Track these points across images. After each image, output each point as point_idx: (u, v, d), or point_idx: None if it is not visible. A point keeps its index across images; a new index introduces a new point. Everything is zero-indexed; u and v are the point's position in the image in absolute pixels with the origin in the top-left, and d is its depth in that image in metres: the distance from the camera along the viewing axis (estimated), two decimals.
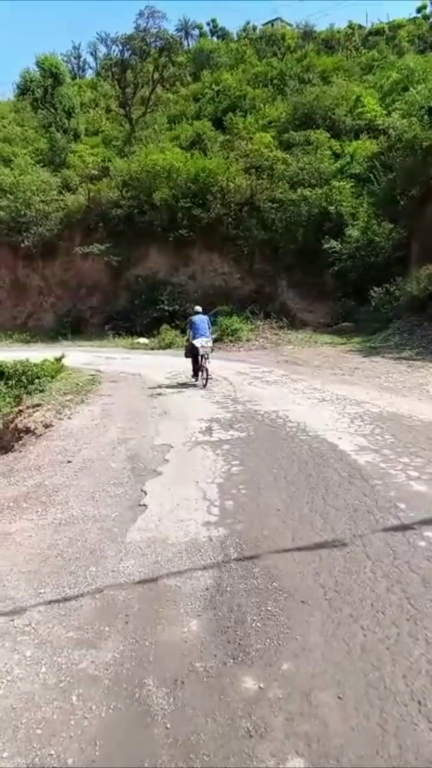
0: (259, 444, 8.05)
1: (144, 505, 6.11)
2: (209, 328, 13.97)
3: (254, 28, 57.95)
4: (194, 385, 13.57)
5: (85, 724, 3.02)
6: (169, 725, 2.99)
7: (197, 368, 13.56)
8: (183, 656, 3.53)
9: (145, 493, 6.46)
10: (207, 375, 13.27)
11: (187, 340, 13.94)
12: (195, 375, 13.79)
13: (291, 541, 4.91)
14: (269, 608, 3.96)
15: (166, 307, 27.17)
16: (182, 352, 15.08)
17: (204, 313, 14.48)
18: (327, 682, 3.23)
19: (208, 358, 13.46)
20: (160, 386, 14.10)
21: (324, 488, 6.03)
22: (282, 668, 3.37)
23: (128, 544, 5.14)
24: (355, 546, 4.72)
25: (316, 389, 11.82)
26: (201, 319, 13.79)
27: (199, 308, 14.79)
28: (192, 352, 13.67)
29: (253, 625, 3.79)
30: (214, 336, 15.54)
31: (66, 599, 4.25)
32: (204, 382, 13.27)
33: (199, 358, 13.38)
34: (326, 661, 3.39)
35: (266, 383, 13.14)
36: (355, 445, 7.57)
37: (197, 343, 13.28)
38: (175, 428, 9.40)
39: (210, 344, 13.69)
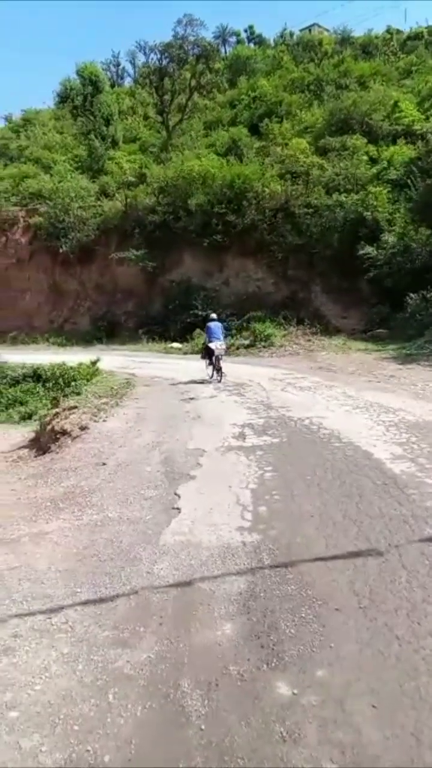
0: (292, 450, 8.04)
1: (177, 508, 6.18)
2: (223, 333, 15.50)
3: (291, 34, 57.89)
4: (210, 382, 15.07)
5: (121, 723, 3.08)
6: (203, 727, 3.02)
7: (213, 366, 15.06)
8: (217, 659, 3.56)
9: (179, 497, 6.52)
10: (221, 373, 14.85)
11: (204, 343, 15.57)
12: (211, 373, 15.30)
13: (325, 549, 4.90)
14: (303, 615, 3.96)
15: (200, 312, 27.24)
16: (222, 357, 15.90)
17: (222, 320, 16.25)
18: (361, 691, 3.22)
19: (221, 358, 14.98)
20: (180, 383, 15.26)
21: (358, 496, 5.99)
22: (316, 675, 3.38)
23: (162, 547, 5.21)
24: (390, 555, 4.68)
25: (350, 396, 11.73)
26: (216, 326, 15.46)
27: (214, 315, 16.34)
28: (208, 354, 15.20)
29: (287, 631, 3.80)
30: (227, 341, 17.12)
31: (102, 599, 4.33)
32: (219, 378, 14.84)
33: (214, 358, 14.89)
34: (361, 670, 3.38)
35: (300, 389, 13.10)
36: (390, 453, 7.49)
37: (213, 345, 14.88)
38: (209, 433, 9.45)
39: (224, 347, 15.27)
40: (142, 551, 5.15)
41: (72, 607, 4.25)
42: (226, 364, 15.71)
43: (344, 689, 3.25)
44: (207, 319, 16.68)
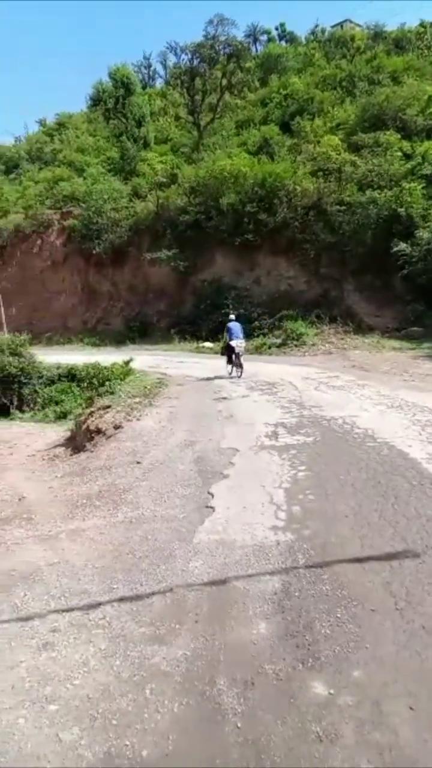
0: (326, 449, 7.98)
1: (211, 507, 6.20)
2: (242, 332, 16.57)
3: (323, 31, 57.30)
4: (231, 377, 16.21)
5: (158, 718, 3.12)
6: (239, 725, 3.04)
7: (233, 363, 16.11)
8: (253, 658, 3.57)
9: (212, 496, 6.55)
10: (241, 368, 15.94)
11: (224, 341, 16.66)
12: (230, 369, 16.37)
13: (360, 549, 4.85)
14: (338, 615, 3.94)
15: (231, 312, 27.32)
16: (254, 356, 17.63)
17: (240, 320, 17.58)
18: (399, 692, 3.19)
19: (241, 355, 16.08)
20: (206, 378, 16.30)
21: (394, 496, 5.92)
22: (352, 676, 3.36)
23: (196, 545, 5.24)
24: (427, 556, 4.62)
25: (384, 395, 11.57)
26: (235, 325, 16.52)
27: (233, 316, 17.62)
28: (228, 351, 16.29)
29: (323, 631, 3.79)
30: (246, 339, 18.01)
31: (138, 596, 4.39)
32: (239, 373, 15.94)
33: (234, 355, 16.02)
34: (398, 671, 3.35)
35: (332, 388, 12.99)
36: (426, 453, 7.37)
37: (233, 343, 16.01)
38: (241, 432, 9.46)
39: (243, 345, 16.43)
40: (176, 549, 5.19)
41: (109, 603, 4.31)
42: (257, 363, 16.45)
43: (381, 690, 3.22)
44: (227, 320, 17.66)
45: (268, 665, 3.50)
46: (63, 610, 4.25)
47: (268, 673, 3.43)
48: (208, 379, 16.35)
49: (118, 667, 3.55)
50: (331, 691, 3.25)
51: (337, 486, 6.45)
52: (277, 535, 5.26)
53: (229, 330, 16.40)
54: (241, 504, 6.17)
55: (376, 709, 3.09)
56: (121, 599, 4.35)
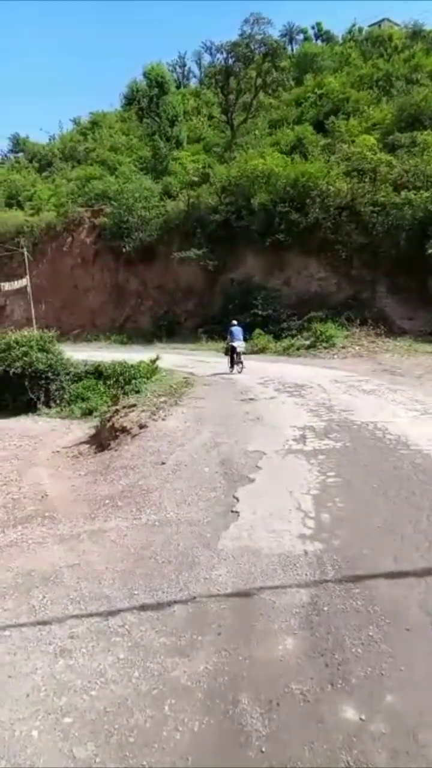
0: (356, 456, 7.72)
1: (236, 512, 6.02)
2: (242, 335, 18.61)
3: (360, 30, 56.51)
4: (229, 374, 17.70)
5: (178, 737, 2.94)
6: (264, 749, 2.85)
7: (234, 362, 17.92)
8: (278, 676, 3.38)
9: (237, 500, 6.37)
10: (242, 366, 17.78)
11: (227, 343, 18.67)
12: (231, 367, 18.01)
13: (393, 563, 4.61)
14: (370, 633, 3.72)
15: (260, 312, 27.03)
16: (282, 358, 19.71)
17: (241, 325, 19.50)
18: None
19: (241, 354, 18.03)
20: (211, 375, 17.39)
21: (429, 508, 5.65)
22: (385, 700, 3.14)
23: (220, 552, 5.06)
24: None
25: (417, 401, 11.22)
26: (237, 329, 18.47)
27: (235, 321, 19.50)
28: (231, 351, 18.15)
29: (353, 650, 3.57)
30: (246, 342, 19.86)
31: (159, 603, 4.23)
32: (240, 370, 17.70)
33: (235, 355, 17.88)
34: None
35: (363, 392, 12.67)
36: None
37: (235, 344, 17.98)
38: (268, 435, 9.25)
39: (243, 346, 18.47)
40: (200, 555, 5.02)
41: (129, 609, 4.16)
42: (285, 365, 17.35)
43: (417, 718, 3.01)
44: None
45: (295, 685, 3.30)
46: (82, 615, 4.11)
47: (294, 694, 3.24)
48: (214, 374, 17.94)
49: (137, 680, 3.39)
50: (363, 717, 3.04)
51: (368, 495, 6.20)
52: (305, 545, 5.05)
53: (231, 333, 18.41)
54: (268, 510, 5.97)
55: (411, 739, 2.87)
56: (142, 606, 4.19)
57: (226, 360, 18.78)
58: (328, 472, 7.09)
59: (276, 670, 3.44)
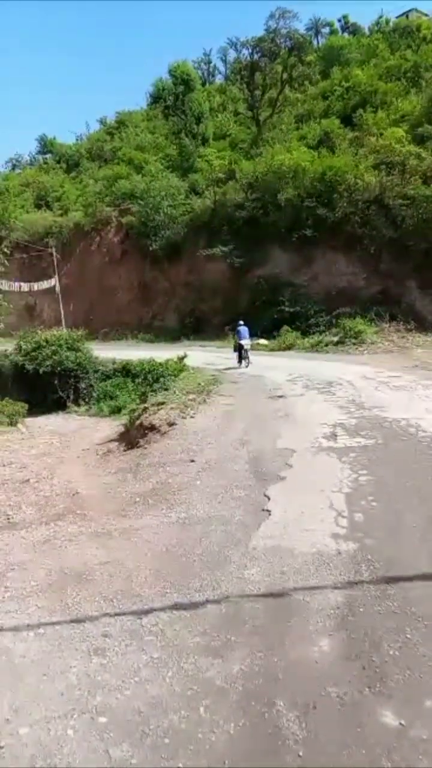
0: (388, 453, 7.59)
1: (267, 510, 5.96)
2: (248, 334, 20.02)
3: (387, 21, 55.54)
4: (237, 368, 18.99)
5: (213, 739, 2.90)
6: (301, 753, 2.79)
7: (242, 357, 19.31)
8: (314, 678, 3.31)
9: (268, 498, 6.30)
10: (248, 361, 19.19)
11: (236, 341, 20.14)
12: (239, 361, 19.37)
13: (430, 564, 4.50)
14: (408, 636, 3.63)
15: (287, 309, 26.84)
16: (310, 354, 20.92)
17: (248, 325, 20.63)
18: None
19: (248, 351, 19.50)
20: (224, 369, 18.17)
21: None
22: (426, 705, 3.06)
23: (252, 551, 5.01)
24: None
25: None
26: (244, 329, 19.82)
27: (242, 322, 20.60)
28: (239, 348, 19.61)
29: (391, 652, 3.49)
30: (252, 340, 21.36)
31: (192, 602, 4.20)
32: (246, 365, 19.03)
33: (243, 351, 19.35)
34: None
35: (394, 389, 12.46)
36: None
37: (242, 342, 19.51)
38: (298, 432, 9.15)
39: (249, 343, 19.96)
40: (231, 554, 4.98)
41: (162, 608, 4.14)
42: (313, 362, 17.81)
43: None
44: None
45: (332, 688, 3.23)
46: (115, 614, 4.11)
47: (331, 697, 3.17)
48: (226, 368, 18.77)
49: (171, 680, 3.36)
50: (403, 722, 2.96)
51: (402, 493, 6.08)
52: (339, 544, 4.96)
53: (238, 332, 20.00)
54: (299, 508, 5.90)
55: None
56: (175, 605, 4.17)
57: (251, 356, 19.24)
58: (360, 470, 6.98)
59: (312, 672, 3.37)
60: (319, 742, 2.87)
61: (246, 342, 19.72)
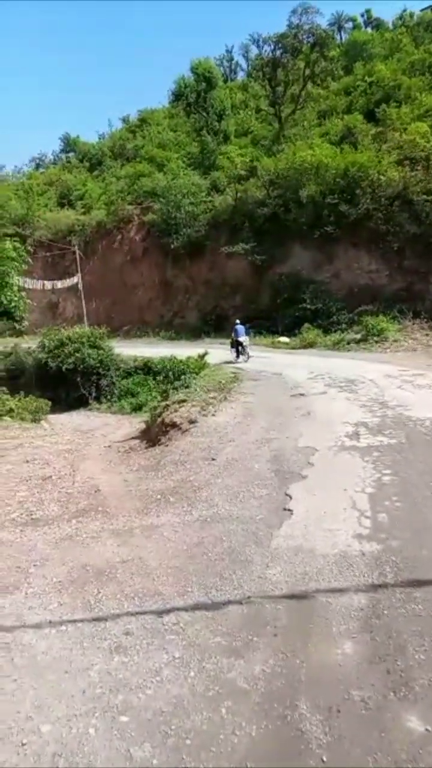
0: (413, 453, 7.47)
1: (289, 509, 5.91)
2: (245, 332, 21.64)
3: (411, 15, 54.71)
4: (234, 362, 20.20)
5: (235, 741, 2.87)
6: (325, 758, 2.75)
7: (239, 352, 20.93)
8: (338, 681, 3.26)
9: (290, 498, 6.25)
10: (248, 356, 20.73)
11: (233, 339, 21.54)
12: (237, 356, 20.86)
13: None
14: None
15: (309, 306, 26.65)
16: (332, 352, 21.43)
17: (244, 324, 22.65)
18: None
19: (246, 347, 21.12)
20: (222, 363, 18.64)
21: None
22: None
23: (274, 551, 4.97)
24: None
25: None
26: (240, 327, 21.44)
27: (238, 321, 22.36)
28: (236, 345, 21.19)
29: (416, 656, 3.42)
30: (249, 337, 22.77)
31: (213, 602, 4.17)
32: (246, 359, 20.36)
33: (241, 347, 20.92)
34: None
35: (418, 387, 12.28)
36: None
37: (240, 339, 21.07)
38: (320, 431, 9.07)
39: (247, 340, 21.51)
40: (253, 553, 4.94)
41: (183, 607, 4.12)
42: (335, 359, 17.73)
43: None
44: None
45: (356, 691, 3.18)
46: (136, 612, 4.10)
47: (355, 700, 3.12)
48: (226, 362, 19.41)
49: (192, 680, 3.34)
50: (429, 728, 2.89)
51: (426, 494, 5.98)
52: (362, 545, 4.89)
53: (235, 331, 21.52)
54: (321, 508, 5.83)
55: None
56: (196, 604, 4.14)
57: (271, 354, 20.29)
58: (384, 469, 6.89)
59: (335, 674, 3.32)
60: (342, 746, 2.82)
61: (244, 339, 21.45)
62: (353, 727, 2.93)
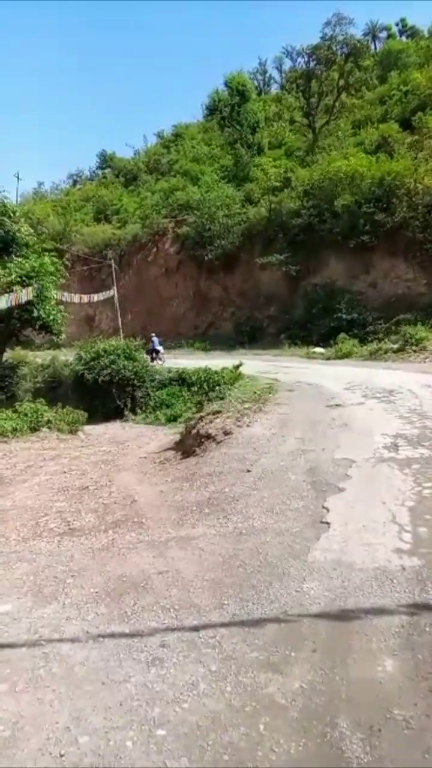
0: None
1: (326, 522, 5.81)
2: (160, 344, 28.13)
3: None
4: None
5: (273, 759, 2.82)
6: None
7: (152, 358, 25.69)
8: (378, 699, 3.17)
9: (327, 510, 6.15)
10: (162, 362, 25.69)
11: (149, 347, 26.45)
12: (152, 360, 24.69)
13: None
14: None
15: (344, 316, 26.48)
16: (368, 362, 20.85)
17: (158, 336, 29.33)
18: None
19: (161, 353, 27.28)
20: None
21: None
22: None
23: (311, 564, 4.89)
24: None
25: None
26: (155, 339, 27.97)
27: (154, 333, 28.95)
28: (152, 352, 26.44)
29: None
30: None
31: (250, 615, 4.12)
32: (161, 363, 24.88)
33: (155, 354, 26.67)
34: None
35: None
36: None
37: (157, 348, 27.85)
38: (357, 442, 8.92)
39: (161, 348, 27.24)
40: (289, 566, 4.87)
41: (219, 620, 4.08)
42: (372, 369, 17.16)
43: None
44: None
45: (397, 710, 3.08)
46: (173, 624, 4.08)
47: (397, 720, 3.02)
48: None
49: (230, 694, 3.29)
50: None
51: None
52: (402, 560, 4.77)
53: (152, 342, 27.20)
54: (360, 521, 5.72)
55: None
56: (233, 618, 4.10)
57: (307, 364, 20.56)
58: (424, 482, 6.71)
59: (376, 692, 3.23)
60: (384, 766, 2.73)
61: (159, 348, 27.80)
62: (395, 747, 2.84)
